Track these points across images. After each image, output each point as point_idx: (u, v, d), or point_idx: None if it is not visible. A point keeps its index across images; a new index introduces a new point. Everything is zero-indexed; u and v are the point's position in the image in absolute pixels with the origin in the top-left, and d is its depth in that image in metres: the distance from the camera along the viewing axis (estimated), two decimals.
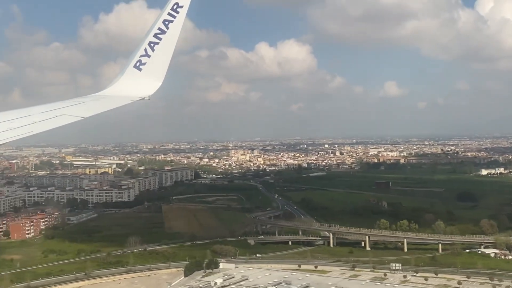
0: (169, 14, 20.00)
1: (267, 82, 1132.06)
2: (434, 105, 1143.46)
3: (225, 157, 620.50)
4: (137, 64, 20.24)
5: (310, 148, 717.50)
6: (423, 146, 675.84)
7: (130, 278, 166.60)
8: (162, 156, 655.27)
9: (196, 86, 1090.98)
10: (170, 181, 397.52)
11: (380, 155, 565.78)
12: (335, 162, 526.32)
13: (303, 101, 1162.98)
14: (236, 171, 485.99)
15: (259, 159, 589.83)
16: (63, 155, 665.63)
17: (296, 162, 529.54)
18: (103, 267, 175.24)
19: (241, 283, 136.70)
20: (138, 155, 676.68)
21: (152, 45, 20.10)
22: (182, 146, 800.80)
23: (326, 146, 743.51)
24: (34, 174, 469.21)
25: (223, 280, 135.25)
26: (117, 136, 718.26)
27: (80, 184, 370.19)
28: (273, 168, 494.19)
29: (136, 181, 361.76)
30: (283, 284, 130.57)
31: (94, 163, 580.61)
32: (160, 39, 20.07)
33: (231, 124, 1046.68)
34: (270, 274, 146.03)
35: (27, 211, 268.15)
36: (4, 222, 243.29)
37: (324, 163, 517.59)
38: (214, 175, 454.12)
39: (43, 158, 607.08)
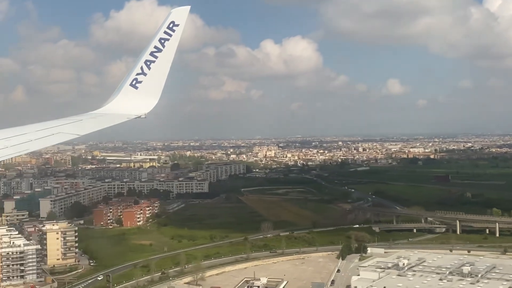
0: (165, 32, 20.12)
1: (271, 80, 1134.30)
2: (436, 103, 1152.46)
3: (250, 153, 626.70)
4: (133, 83, 20.22)
5: (324, 145, 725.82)
6: (438, 143, 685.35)
7: (287, 261, 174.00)
8: (189, 152, 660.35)
9: (200, 84, 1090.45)
10: (225, 175, 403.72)
11: (406, 151, 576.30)
12: (365, 158, 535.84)
13: (306, 99, 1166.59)
14: (274, 166, 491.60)
15: (288, 155, 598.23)
16: (93, 150, 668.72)
17: (327, 158, 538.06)
18: (254, 250, 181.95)
19: (423, 264, 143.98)
20: (163, 151, 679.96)
21: (148, 63, 20.16)
22: (191, 144, 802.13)
23: (340, 143, 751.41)
24: (80, 167, 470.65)
25: (403, 263, 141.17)
26: (117, 135, 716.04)
27: (139, 176, 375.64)
28: (310, 163, 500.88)
29: (201, 174, 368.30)
30: (466, 265, 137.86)
31: (128, 158, 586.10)
32: (156, 57, 20.15)
33: (232, 123, 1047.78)
34: (442, 257, 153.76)
35: (118, 201, 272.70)
36: (111, 210, 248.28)
37: (355, 159, 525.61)
38: (257, 169, 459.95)
39: (72, 154, 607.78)
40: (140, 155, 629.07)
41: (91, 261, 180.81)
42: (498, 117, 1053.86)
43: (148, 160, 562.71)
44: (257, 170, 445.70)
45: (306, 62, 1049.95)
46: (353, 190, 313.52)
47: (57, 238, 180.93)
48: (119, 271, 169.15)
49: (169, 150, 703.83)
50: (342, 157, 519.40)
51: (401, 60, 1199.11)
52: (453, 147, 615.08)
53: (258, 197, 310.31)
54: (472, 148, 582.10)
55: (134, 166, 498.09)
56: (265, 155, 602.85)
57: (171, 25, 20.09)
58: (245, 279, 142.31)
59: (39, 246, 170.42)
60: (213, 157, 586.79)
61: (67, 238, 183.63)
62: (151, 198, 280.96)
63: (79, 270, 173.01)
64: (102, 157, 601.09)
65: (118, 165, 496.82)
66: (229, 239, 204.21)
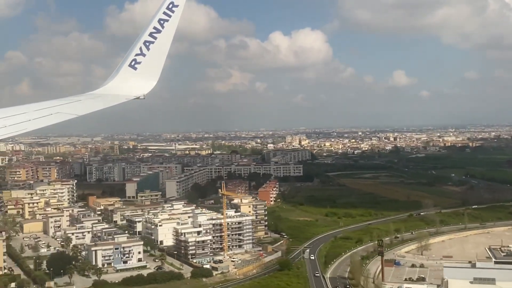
0: (164, 13, 19.92)
1: (281, 72, 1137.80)
2: (443, 94, 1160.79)
3: (283, 142, 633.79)
4: (132, 63, 19.97)
5: (345, 135, 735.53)
6: (459, 133, 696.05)
7: (475, 235, 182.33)
8: (225, 142, 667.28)
9: (208, 76, 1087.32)
10: (293, 161, 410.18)
11: (441, 140, 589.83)
12: (404, 145, 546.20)
13: (313, 91, 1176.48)
14: (325, 154, 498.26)
15: (326, 144, 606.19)
16: (130, 142, 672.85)
17: (372, 146, 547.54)
18: (430, 226, 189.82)
19: None
20: (194, 142, 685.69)
21: (147, 44, 19.90)
22: (205, 135, 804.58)
23: (360, 133, 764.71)
24: (138, 156, 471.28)
25: None
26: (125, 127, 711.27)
27: (212, 162, 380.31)
28: (358, 151, 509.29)
29: (281, 159, 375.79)
30: None
31: (171, 147, 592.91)
32: (155, 38, 19.84)
33: (236, 115, 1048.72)
34: None
35: (237, 183, 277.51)
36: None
37: (404, 146, 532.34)
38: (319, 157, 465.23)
39: (100, 145, 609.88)
40: (180, 145, 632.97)
41: (283, 234, 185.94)
42: (506, 107, 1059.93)
43: (190, 149, 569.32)
44: (320, 157, 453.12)
45: (315, 54, 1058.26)
46: (453, 174, 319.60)
47: (249, 212, 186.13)
48: (320, 242, 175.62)
49: (190, 140, 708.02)
50: (391, 146, 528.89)
51: (410, 52, 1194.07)
52: (481, 136, 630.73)
53: (353, 181, 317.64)
54: (500, 137, 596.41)
55: (190, 153, 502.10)
56: (301, 144, 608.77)
57: (170, 6, 20.03)
58: (491, 246, 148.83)
59: (254, 217, 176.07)
60: (248, 147, 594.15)
61: (258, 212, 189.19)
62: (255, 180, 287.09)
63: (281, 242, 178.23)
64: (143, 147, 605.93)
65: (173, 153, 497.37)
66: (384, 217, 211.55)
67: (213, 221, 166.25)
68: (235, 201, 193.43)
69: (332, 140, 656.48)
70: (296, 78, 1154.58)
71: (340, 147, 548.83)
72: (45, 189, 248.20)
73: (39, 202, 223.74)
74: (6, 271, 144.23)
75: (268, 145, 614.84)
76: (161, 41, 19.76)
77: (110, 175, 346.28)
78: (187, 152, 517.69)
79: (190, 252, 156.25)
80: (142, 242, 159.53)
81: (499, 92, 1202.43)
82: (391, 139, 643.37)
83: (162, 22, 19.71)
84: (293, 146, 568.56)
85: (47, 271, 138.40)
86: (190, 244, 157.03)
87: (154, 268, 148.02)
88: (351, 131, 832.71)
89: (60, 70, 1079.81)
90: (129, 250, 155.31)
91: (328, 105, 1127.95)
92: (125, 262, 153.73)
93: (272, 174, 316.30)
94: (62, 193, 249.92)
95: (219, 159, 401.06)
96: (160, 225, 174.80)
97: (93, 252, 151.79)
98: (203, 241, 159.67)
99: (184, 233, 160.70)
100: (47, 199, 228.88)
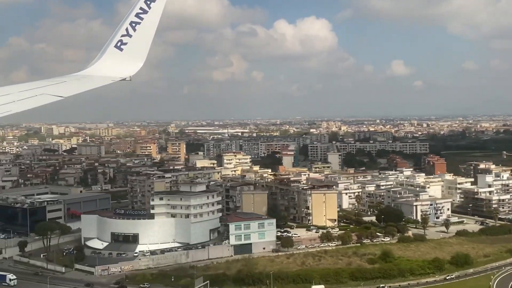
0: None
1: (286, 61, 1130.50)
2: (445, 85, 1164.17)
3: (320, 128, 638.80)
4: (118, 44, 19.26)
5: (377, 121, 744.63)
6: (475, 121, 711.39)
7: None
8: (273, 127, 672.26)
9: (212, 64, 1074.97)
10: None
11: (478, 126, 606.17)
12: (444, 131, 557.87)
13: (318, 80, 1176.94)
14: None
15: (370, 128, 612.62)
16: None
17: (426, 131, 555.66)
18: None
19: None
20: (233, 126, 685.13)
21: (133, 24, 19.09)
22: (216, 123, 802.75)
23: (378, 121, 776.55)
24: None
25: None
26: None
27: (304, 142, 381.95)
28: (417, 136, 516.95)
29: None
30: None
31: (220, 130, 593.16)
32: (142, 19, 19.05)
33: (232, 104, 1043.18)
34: None
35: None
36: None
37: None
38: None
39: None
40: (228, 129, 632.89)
41: None
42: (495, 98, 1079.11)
43: (240, 133, 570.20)
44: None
45: (321, 43, 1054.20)
46: None
47: None
48: None
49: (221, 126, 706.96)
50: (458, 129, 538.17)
51: (418, 41, 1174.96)
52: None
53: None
54: None
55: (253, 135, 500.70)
56: (340, 129, 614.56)
57: None
58: None
59: None
60: (292, 131, 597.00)
61: None
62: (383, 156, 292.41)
63: None
64: (193, 131, 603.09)
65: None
66: None
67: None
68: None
69: (364, 125, 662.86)
70: (303, 67, 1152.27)
71: (395, 130, 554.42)
72: (231, 158, 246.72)
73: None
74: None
75: (311, 129, 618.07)
76: (147, 22, 18.88)
77: (229, 150, 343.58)
78: (252, 134, 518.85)
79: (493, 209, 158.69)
80: (451, 200, 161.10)
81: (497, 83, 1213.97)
82: (424, 125, 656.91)
83: (148, 2, 18.81)
84: (330, 130, 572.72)
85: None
86: (493, 202, 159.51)
87: None
88: (364, 119, 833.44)
89: (62, 57, 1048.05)
90: (441, 206, 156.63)
91: (324, 95, 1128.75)
92: (437, 217, 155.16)
93: (399, 151, 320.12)
94: (246, 161, 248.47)
95: (312, 139, 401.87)
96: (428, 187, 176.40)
97: (414, 207, 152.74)
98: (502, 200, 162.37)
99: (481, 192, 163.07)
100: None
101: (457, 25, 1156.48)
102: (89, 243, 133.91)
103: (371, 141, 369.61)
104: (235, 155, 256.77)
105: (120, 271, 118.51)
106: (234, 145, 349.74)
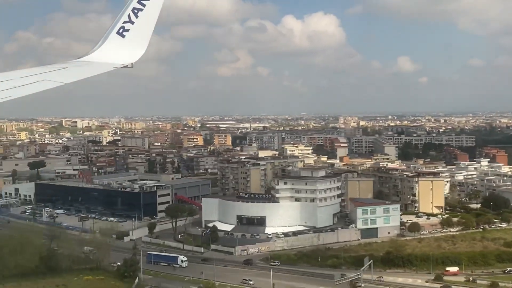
0: None
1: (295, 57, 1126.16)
2: (446, 81, 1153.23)
3: (338, 123, 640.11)
4: (120, 31, 18.99)
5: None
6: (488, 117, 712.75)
7: None
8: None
9: (220, 59, 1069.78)
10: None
11: (498, 121, 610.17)
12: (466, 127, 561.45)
13: (327, 76, 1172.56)
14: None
15: (390, 123, 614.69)
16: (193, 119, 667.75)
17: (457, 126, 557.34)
18: None
19: None
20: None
21: (136, 11, 18.85)
22: (225, 118, 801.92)
23: (390, 117, 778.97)
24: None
25: None
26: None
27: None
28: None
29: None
30: None
31: (242, 125, 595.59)
32: (144, 5, 18.82)
33: (237, 99, 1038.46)
34: None
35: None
36: None
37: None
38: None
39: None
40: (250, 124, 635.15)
41: None
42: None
43: (261, 127, 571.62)
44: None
45: (329, 39, 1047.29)
46: None
47: None
48: None
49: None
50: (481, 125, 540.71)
51: (422, 37, 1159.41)
52: None
53: None
54: None
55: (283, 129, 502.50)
56: (358, 124, 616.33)
57: None
58: None
59: None
60: (311, 126, 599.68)
61: None
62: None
63: None
64: (214, 125, 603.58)
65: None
66: None
67: None
68: None
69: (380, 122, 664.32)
70: (310, 63, 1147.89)
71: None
72: (294, 149, 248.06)
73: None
74: None
75: (329, 124, 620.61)
76: (150, 8, 18.85)
77: (270, 144, 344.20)
78: (278, 128, 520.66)
79: None
80: None
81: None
82: (442, 121, 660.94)
83: None
84: (349, 126, 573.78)
85: None
86: None
87: None
88: (374, 115, 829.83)
89: (70, 51, 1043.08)
90: None
91: (331, 91, 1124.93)
92: None
93: (446, 144, 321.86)
94: (308, 152, 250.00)
95: (347, 133, 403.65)
96: None
97: None
98: None
99: None
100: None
101: (466, 21, 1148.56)
102: (211, 226, 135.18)
103: (415, 135, 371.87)
104: (297, 146, 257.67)
105: (257, 252, 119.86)
106: (276, 138, 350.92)
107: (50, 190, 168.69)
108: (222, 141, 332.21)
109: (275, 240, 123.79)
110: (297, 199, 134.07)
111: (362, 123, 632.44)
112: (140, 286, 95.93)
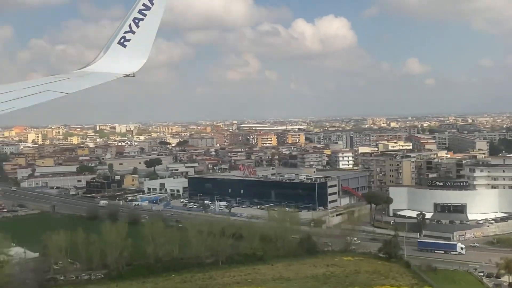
0: None
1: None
2: (455, 82, 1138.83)
3: (364, 125, 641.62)
4: (122, 41, 18.94)
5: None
6: None
7: None
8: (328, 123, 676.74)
9: (231, 63, 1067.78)
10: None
11: None
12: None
13: (342, 79, 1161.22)
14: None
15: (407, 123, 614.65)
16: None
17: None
18: None
19: None
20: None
21: (136, 21, 18.91)
22: (246, 121, 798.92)
23: (409, 118, 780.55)
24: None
25: None
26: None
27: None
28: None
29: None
30: None
31: (273, 127, 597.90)
32: (144, 15, 18.90)
33: (246, 103, 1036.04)
34: None
35: None
36: None
37: None
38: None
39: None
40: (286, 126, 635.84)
41: None
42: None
43: (297, 129, 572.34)
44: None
45: (341, 41, 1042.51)
46: None
47: None
48: None
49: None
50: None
51: (437, 37, 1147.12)
52: None
53: None
54: None
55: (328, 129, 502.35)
56: (389, 124, 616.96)
57: None
58: None
59: None
60: (343, 127, 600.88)
61: None
62: None
63: None
64: (248, 128, 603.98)
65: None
66: None
67: None
68: None
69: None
70: (323, 65, 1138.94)
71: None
72: (395, 145, 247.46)
73: None
74: None
75: (363, 125, 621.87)
76: (150, 18, 19.00)
77: (337, 141, 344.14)
78: (317, 130, 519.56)
79: None
80: None
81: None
82: (469, 121, 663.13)
83: None
84: (391, 126, 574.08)
85: None
86: None
87: None
88: (395, 117, 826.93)
89: (83, 58, 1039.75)
90: None
91: (343, 94, 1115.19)
92: None
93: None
94: (409, 147, 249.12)
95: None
96: None
97: None
98: None
99: None
100: None
101: (482, 21, 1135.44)
102: (402, 213, 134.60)
103: (478, 132, 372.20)
104: (396, 142, 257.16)
105: (473, 237, 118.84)
106: (344, 137, 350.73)
107: (208, 184, 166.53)
108: (296, 140, 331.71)
109: (488, 226, 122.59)
110: (493, 186, 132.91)
111: (392, 123, 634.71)
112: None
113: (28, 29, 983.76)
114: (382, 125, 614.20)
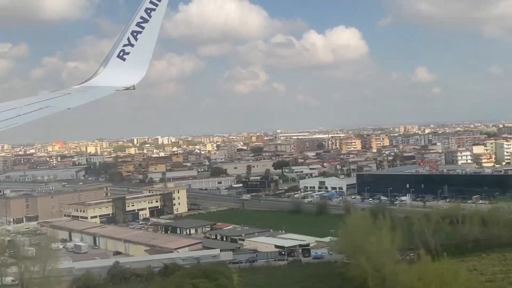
0: (151, 2, 19.13)
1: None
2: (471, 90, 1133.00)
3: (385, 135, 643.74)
4: (121, 54, 18.89)
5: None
6: None
7: None
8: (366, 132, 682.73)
9: (243, 76, 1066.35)
10: None
11: None
12: None
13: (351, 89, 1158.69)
14: None
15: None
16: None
17: None
18: None
19: None
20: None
21: (135, 34, 18.91)
22: (278, 131, 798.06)
23: (432, 126, 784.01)
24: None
25: None
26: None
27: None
28: None
29: None
30: None
31: (312, 136, 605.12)
32: (142, 28, 18.95)
33: (257, 115, 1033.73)
34: None
35: None
36: None
37: None
38: None
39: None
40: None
41: None
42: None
43: (341, 136, 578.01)
44: None
45: (353, 52, 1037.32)
46: None
47: None
48: None
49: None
50: None
51: (450, 46, 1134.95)
52: None
53: None
54: None
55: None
56: (424, 131, 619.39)
57: None
58: None
59: None
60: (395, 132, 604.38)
61: None
62: None
63: None
64: (287, 136, 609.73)
65: None
66: None
67: None
68: None
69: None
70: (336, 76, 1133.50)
71: None
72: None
73: None
74: None
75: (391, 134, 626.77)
76: (148, 30, 19.10)
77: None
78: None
79: None
80: None
81: None
82: (500, 126, 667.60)
83: (149, 11, 19.11)
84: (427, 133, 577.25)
85: None
86: None
87: None
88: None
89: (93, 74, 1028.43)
90: None
91: (359, 103, 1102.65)
92: None
93: None
94: None
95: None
96: None
97: None
98: None
99: None
100: None
101: (497, 29, 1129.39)
102: None
103: None
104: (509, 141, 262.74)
105: None
106: (423, 140, 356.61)
107: (380, 180, 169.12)
108: (380, 144, 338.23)
109: None
110: None
111: (427, 130, 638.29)
112: None
113: (43, 46, 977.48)
114: (416, 131, 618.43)
